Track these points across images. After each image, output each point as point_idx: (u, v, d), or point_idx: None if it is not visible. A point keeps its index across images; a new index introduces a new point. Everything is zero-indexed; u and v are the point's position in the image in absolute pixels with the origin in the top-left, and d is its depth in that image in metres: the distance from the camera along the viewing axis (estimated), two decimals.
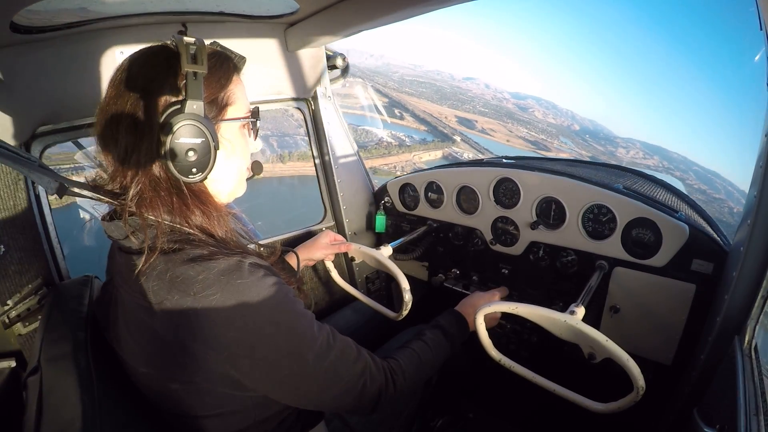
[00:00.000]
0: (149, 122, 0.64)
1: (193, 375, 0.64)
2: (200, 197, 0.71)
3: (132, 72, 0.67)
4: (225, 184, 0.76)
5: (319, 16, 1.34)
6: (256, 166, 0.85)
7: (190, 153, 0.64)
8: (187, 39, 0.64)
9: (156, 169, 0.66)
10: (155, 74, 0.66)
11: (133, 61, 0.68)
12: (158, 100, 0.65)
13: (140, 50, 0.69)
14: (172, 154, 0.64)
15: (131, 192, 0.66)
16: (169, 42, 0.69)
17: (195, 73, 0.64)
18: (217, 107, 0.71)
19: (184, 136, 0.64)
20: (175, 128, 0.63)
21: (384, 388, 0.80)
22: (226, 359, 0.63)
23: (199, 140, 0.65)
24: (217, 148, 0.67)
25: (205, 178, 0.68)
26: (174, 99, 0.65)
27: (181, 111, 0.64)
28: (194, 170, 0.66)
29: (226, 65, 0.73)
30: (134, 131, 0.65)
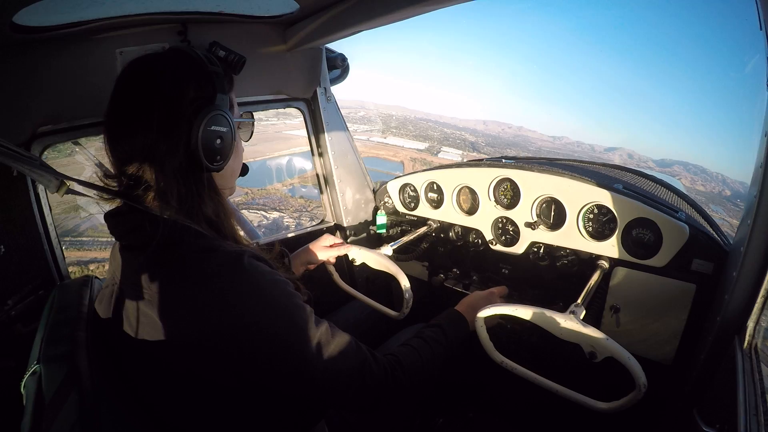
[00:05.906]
0: (176, 114, 0.68)
1: (193, 367, 0.65)
2: (215, 188, 0.76)
3: (153, 71, 0.70)
4: (228, 180, 0.82)
5: (319, 16, 1.34)
6: (243, 167, 0.90)
7: (218, 141, 0.70)
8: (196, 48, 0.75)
9: (181, 156, 0.69)
10: (181, 73, 0.70)
11: (151, 62, 0.71)
12: (185, 95, 0.69)
13: (154, 54, 0.73)
14: (203, 142, 0.69)
15: (147, 183, 0.68)
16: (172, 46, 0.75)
17: (217, 73, 0.71)
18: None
19: (215, 124, 0.70)
20: (207, 117, 0.68)
21: (384, 384, 0.80)
22: (226, 350, 0.64)
23: (224, 129, 0.71)
24: (234, 138, 0.74)
25: (224, 166, 0.75)
26: (201, 94, 0.70)
27: (211, 102, 0.70)
28: (218, 158, 0.72)
29: (230, 71, 0.81)
30: (157, 123, 0.67)
